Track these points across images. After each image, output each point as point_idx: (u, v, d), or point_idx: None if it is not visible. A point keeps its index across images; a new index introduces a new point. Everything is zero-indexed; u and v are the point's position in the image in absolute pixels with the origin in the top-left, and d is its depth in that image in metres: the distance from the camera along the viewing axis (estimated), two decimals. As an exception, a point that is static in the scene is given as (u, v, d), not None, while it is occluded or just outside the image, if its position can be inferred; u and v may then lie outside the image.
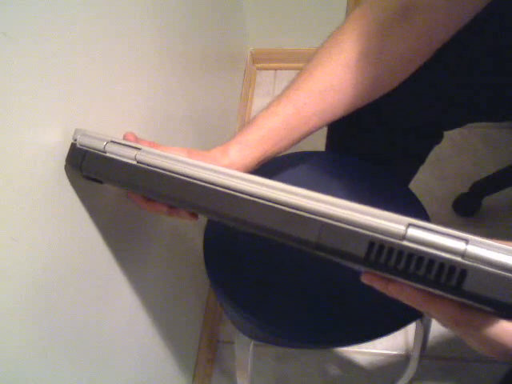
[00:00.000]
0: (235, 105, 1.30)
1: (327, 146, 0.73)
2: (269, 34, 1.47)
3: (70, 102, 0.38)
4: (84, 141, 0.36)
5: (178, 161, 0.33)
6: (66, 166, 0.37)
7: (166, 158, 0.34)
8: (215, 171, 0.32)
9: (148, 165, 0.34)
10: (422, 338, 0.64)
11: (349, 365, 0.96)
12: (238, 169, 0.45)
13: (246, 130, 0.45)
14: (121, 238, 0.51)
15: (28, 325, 0.35)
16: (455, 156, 1.26)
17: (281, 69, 1.56)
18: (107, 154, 0.35)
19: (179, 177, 0.33)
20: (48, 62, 0.35)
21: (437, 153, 1.26)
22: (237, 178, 0.31)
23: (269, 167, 0.63)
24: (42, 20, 0.34)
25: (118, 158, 0.35)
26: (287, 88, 0.47)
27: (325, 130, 0.72)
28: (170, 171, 0.33)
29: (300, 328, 0.50)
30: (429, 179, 1.21)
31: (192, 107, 0.80)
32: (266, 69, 1.57)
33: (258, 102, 1.49)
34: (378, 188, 0.60)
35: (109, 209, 0.47)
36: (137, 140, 0.40)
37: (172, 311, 0.74)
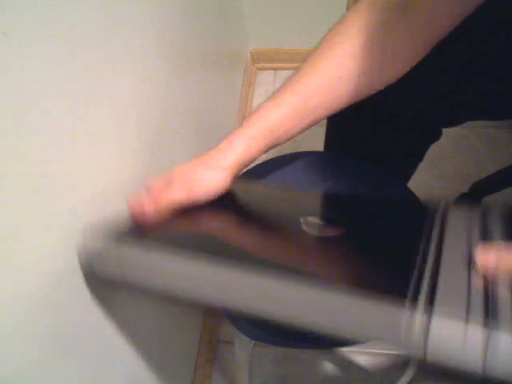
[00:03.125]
0: (235, 105, 1.30)
1: (326, 145, 0.73)
2: (269, 34, 1.47)
3: (70, 98, 0.38)
4: (93, 245, 0.34)
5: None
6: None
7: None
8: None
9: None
10: (422, 337, 0.64)
11: (349, 365, 0.96)
12: (244, 161, 0.45)
13: (251, 122, 0.45)
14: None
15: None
16: (455, 156, 1.26)
17: (281, 69, 1.56)
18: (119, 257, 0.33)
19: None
20: (49, 62, 0.35)
21: (437, 153, 1.26)
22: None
23: (268, 167, 0.63)
24: (43, 20, 0.34)
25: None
26: (289, 80, 0.47)
27: (324, 129, 0.72)
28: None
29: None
30: (429, 179, 1.21)
31: (192, 107, 0.80)
32: (266, 69, 1.57)
33: (258, 102, 1.48)
34: (378, 187, 0.60)
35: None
36: (142, 209, 0.38)
37: (172, 311, 0.74)
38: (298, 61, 1.51)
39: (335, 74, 0.45)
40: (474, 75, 0.54)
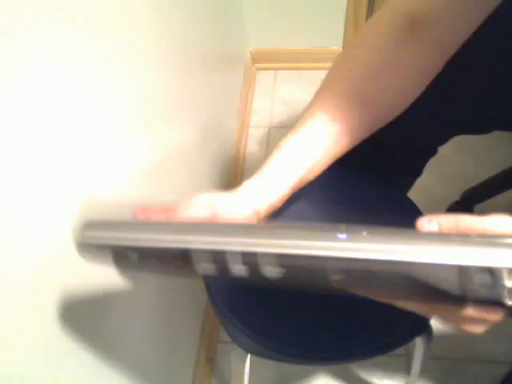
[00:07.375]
0: (235, 105, 1.30)
1: None
2: (269, 34, 1.47)
3: (69, 99, 0.39)
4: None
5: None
6: None
7: None
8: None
9: None
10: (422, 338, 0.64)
11: (349, 365, 0.96)
12: (272, 201, 0.42)
13: (273, 159, 0.43)
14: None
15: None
16: (455, 156, 1.26)
17: (281, 69, 1.56)
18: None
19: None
20: (49, 60, 0.35)
21: (437, 153, 1.26)
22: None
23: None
24: (43, 19, 0.34)
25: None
26: (311, 105, 0.45)
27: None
28: None
29: (299, 344, 0.49)
30: (429, 179, 1.21)
31: (192, 107, 0.80)
32: (266, 69, 1.57)
33: (258, 102, 1.49)
34: (377, 196, 0.60)
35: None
36: (147, 211, 0.37)
37: (172, 311, 0.74)
38: (298, 61, 1.51)
39: (350, 98, 0.44)
40: (464, 96, 0.54)
